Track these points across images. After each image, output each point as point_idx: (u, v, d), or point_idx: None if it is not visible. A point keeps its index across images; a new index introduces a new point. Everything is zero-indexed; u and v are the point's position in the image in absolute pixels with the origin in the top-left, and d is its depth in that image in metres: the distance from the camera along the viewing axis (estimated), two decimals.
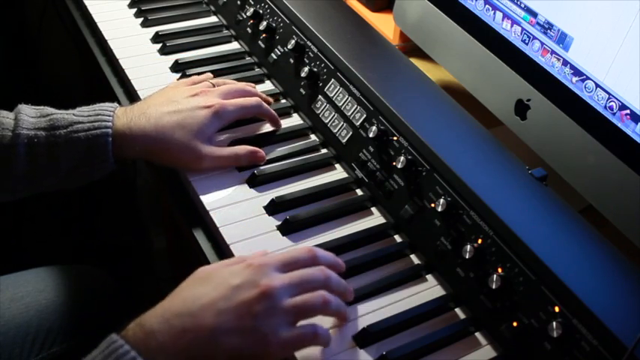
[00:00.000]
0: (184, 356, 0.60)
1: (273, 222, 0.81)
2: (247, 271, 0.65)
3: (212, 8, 1.16)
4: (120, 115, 0.83)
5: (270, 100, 0.96)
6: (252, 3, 1.06)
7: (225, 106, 0.87)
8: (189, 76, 1.01)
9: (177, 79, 1.01)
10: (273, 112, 0.93)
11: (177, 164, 0.86)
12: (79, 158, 0.81)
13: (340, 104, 0.90)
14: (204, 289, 0.64)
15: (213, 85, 0.92)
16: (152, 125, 0.83)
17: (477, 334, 0.73)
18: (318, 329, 0.66)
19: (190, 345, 0.60)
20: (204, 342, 0.60)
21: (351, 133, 0.88)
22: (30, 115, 0.82)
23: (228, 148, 0.88)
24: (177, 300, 0.64)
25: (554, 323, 0.65)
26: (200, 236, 0.81)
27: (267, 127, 0.94)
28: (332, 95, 0.92)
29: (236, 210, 0.82)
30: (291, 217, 0.81)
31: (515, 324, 0.69)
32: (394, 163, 0.81)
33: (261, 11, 1.05)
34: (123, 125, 0.82)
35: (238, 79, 1.02)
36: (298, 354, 0.68)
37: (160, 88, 0.91)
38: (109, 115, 0.83)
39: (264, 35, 1.04)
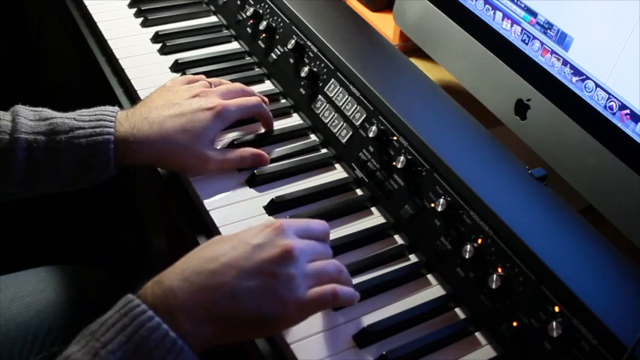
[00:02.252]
0: (204, 315, 0.59)
1: None
2: (267, 231, 0.65)
3: (212, 8, 1.16)
4: (122, 121, 0.82)
5: (267, 100, 0.96)
6: (252, 3, 1.06)
7: (227, 106, 0.86)
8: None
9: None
10: (270, 113, 0.93)
11: (183, 169, 0.86)
12: (79, 164, 0.80)
13: (340, 104, 0.90)
14: (223, 248, 0.63)
15: (211, 85, 0.92)
16: (155, 131, 0.81)
17: (477, 334, 0.73)
18: (338, 289, 0.65)
19: (210, 303, 0.59)
20: (225, 300, 0.60)
21: (351, 133, 0.88)
22: (28, 118, 0.80)
23: (233, 150, 0.87)
24: (195, 258, 0.63)
25: (554, 323, 0.65)
26: (200, 236, 0.81)
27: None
28: (332, 95, 0.92)
29: (236, 210, 0.82)
30: (292, 217, 0.80)
31: (515, 324, 0.69)
32: (394, 163, 0.81)
33: (261, 11, 1.05)
34: (126, 131, 0.81)
35: (238, 79, 1.02)
36: (299, 353, 0.68)
37: (157, 88, 0.90)
38: (111, 121, 0.81)
39: (264, 35, 1.04)
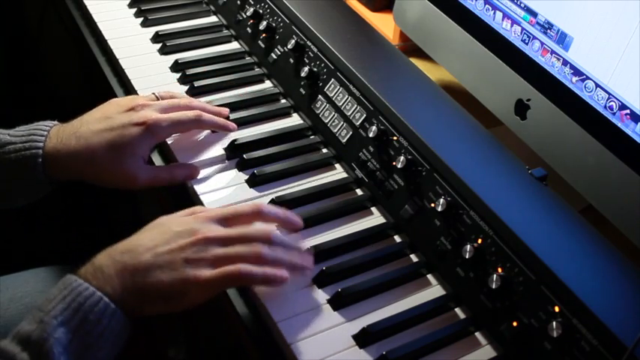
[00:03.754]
0: (126, 286, 0.68)
1: None
2: (191, 220, 0.73)
3: (212, 8, 1.16)
4: (52, 136, 0.82)
5: (225, 110, 0.93)
6: (252, 3, 1.06)
7: (158, 121, 0.84)
8: (189, 76, 1.01)
9: (177, 79, 1.01)
10: (219, 119, 0.90)
11: (111, 185, 0.85)
12: (10, 179, 0.82)
13: (340, 104, 0.90)
14: (150, 234, 0.72)
15: (158, 99, 0.90)
16: (82, 146, 0.81)
17: (477, 334, 0.73)
18: (241, 267, 0.70)
19: (130, 277, 0.68)
20: (140, 276, 0.68)
21: (351, 133, 0.88)
22: None
23: (164, 167, 0.87)
24: (125, 242, 0.72)
25: (554, 323, 0.65)
26: None
27: (267, 127, 0.94)
28: (332, 95, 0.92)
29: None
30: None
31: (515, 324, 0.69)
32: (394, 163, 0.81)
33: (261, 11, 1.05)
34: (54, 146, 0.82)
35: (238, 79, 1.02)
36: (299, 353, 0.68)
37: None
38: (42, 136, 0.82)
39: (264, 35, 1.04)
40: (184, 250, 0.70)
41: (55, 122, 0.85)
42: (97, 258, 0.70)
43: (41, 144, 0.81)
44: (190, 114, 0.87)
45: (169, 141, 0.90)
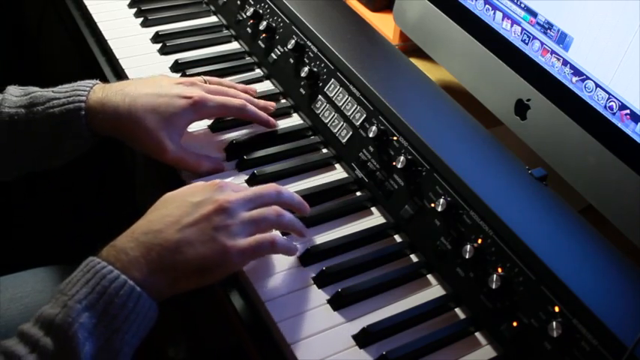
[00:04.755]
0: (154, 267, 0.66)
1: None
2: (206, 189, 0.73)
3: (212, 8, 1.16)
4: (97, 90, 0.84)
5: (271, 105, 0.95)
6: (252, 3, 1.06)
7: (205, 99, 0.86)
8: (190, 76, 1.01)
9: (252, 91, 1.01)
10: (262, 114, 0.92)
11: (142, 149, 0.86)
12: (54, 133, 0.83)
13: (340, 104, 0.90)
14: (167, 209, 0.71)
15: (206, 82, 0.92)
16: (126, 104, 0.83)
17: (477, 334, 0.73)
18: (275, 237, 0.72)
19: (158, 257, 0.67)
20: (170, 253, 0.67)
21: (351, 133, 0.88)
22: (14, 95, 0.84)
23: (194, 153, 0.87)
24: (144, 222, 0.70)
25: (554, 323, 0.65)
26: None
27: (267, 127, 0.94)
28: (332, 95, 0.92)
29: None
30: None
31: (515, 324, 0.69)
32: (394, 163, 0.81)
33: (261, 11, 1.05)
34: (97, 100, 0.83)
35: (238, 80, 1.02)
36: (299, 353, 0.68)
37: None
38: (85, 90, 0.84)
39: (264, 35, 1.04)
40: (210, 218, 0.69)
41: (97, 80, 0.87)
42: (118, 240, 0.69)
43: (84, 97, 0.83)
44: (236, 102, 0.89)
45: None
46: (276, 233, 0.73)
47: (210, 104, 0.86)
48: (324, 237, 0.80)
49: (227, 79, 0.97)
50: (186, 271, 0.68)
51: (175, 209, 0.70)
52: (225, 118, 0.93)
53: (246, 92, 0.95)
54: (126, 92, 0.84)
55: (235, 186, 0.76)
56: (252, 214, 0.72)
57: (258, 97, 0.98)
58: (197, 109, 0.85)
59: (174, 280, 0.68)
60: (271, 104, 0.95)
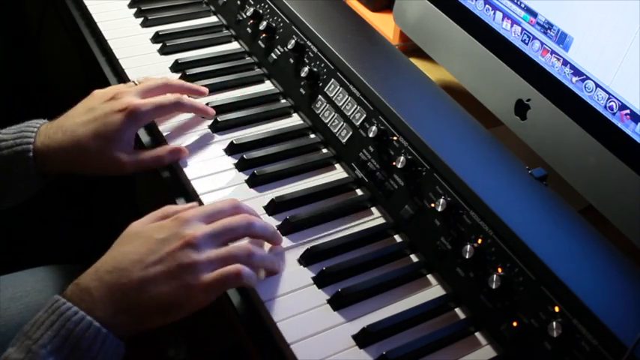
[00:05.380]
0: (119, 307, 0.66)
1: (273, 222, 0.81)
2: (172, 224, 0.71)
3: (212, 8, 1.16)
4: (41, 132, 0.85)
5: (203, 90, 0.95)
6: (252, 3, 1.06)
7: (139, 106, 0.85)
8: (189, 76, 1.01)
9: (178, 79, 1.01)
10: (200, 104, 0.92)
11: (100, 173, 0.87)
12: (3, 174, 0.84)
13: (340, 104, 0.90)
14: (132, 246, 0.70)
15: (136, 84, 0.92)
16: (68, 139, 0.84)
17: (477, 334, 0.73)
18: (241, 270, 0.69)
19: (122, 296, 0.66)
20: (135, 292, 0.66)
21: (351, 133, 0.88)
22: None
23: (149, 150, 0.87)
24: (108, 259, 0.69)
25: (554, 323, 0.65)
26: None
27: (267, 127, 0.94)
28: (332, 95, 0.92)
29: None
30: (291, 217, 0.80)
31: (515, 324, 0.69)
32: (394, 163, 0.81)
33: (261, 11, 1.05)
34: (43, 142, 0.85)
35: (238, 80, 1.02)
36: (299, 353, 0.68)
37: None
38: (32, 132, 0.85)
39: (264, 35, 1.04)
40: (175, 256, 0.68)
41: (44, 120, 0.88)
42: (82, 278, 0.68)
43: (32, 139, 0.84)
44: (171, 97, 0.89)
45: (165, 133, 0.91)
46: (241, 266, 0.70)
47: (144, 108, 0.86)
48: (324, 237, 0.80)
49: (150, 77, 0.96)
50: (150, 310, 0.67)
51: (140, 246, 0.69)
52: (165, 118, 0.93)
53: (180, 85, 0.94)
54: (65, 128, 0.85)
55: (203, 214, 0.73)
56: (219, 254, 0.70)
57: (258, 97, 0.98)
58: (134, 117, 0.85)
59: (139, 319, 0.67)
60: (204, 89, 0.96)
